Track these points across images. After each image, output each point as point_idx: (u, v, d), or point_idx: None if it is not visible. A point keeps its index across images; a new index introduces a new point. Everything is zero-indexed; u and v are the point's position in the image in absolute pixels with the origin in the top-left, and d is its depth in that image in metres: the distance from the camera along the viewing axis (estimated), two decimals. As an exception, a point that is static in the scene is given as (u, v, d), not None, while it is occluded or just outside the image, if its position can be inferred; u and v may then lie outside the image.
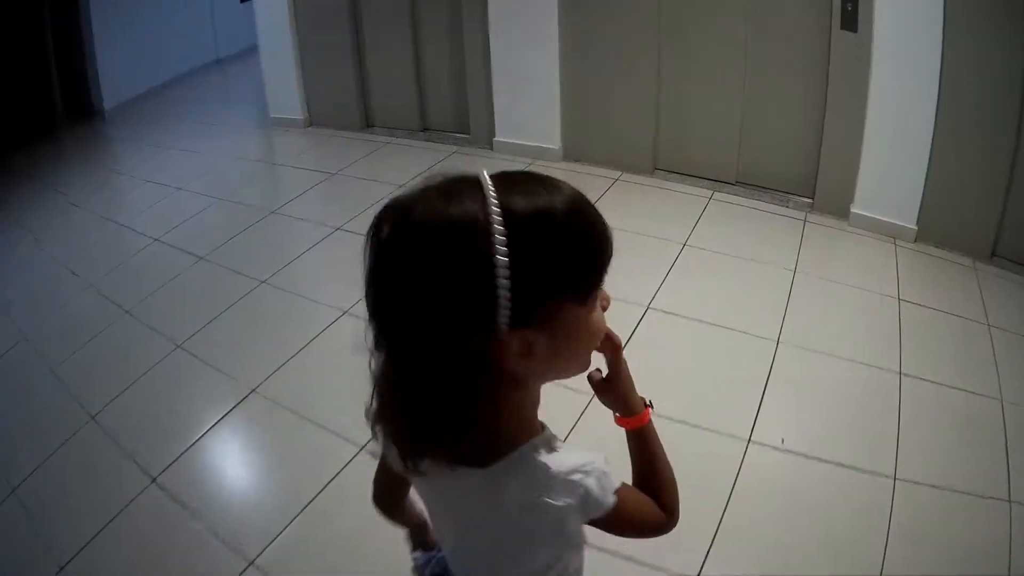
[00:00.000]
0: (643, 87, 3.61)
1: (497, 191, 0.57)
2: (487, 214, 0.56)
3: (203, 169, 4.40)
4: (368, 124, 4.50)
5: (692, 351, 2.56)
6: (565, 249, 0.59)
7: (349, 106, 4.50)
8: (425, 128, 4.34)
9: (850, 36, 3.02)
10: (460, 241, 0.55)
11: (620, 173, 3.79)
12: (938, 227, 3.10)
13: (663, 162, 3.76)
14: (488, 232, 0.55)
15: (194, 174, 4.30)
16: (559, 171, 3.84)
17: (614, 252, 0.64)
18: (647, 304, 2.74)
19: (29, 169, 4.85)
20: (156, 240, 3.50)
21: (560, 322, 0.61)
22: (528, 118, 3.94)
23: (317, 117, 4.77)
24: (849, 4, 2.97)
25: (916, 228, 3.17)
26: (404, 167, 3.95)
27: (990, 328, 2.62)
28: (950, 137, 2.94)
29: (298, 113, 4.82)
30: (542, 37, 3.70)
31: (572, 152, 3.92)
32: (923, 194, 3.09)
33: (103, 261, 3.47)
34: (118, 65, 6.33)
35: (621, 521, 0.71)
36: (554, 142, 3.93)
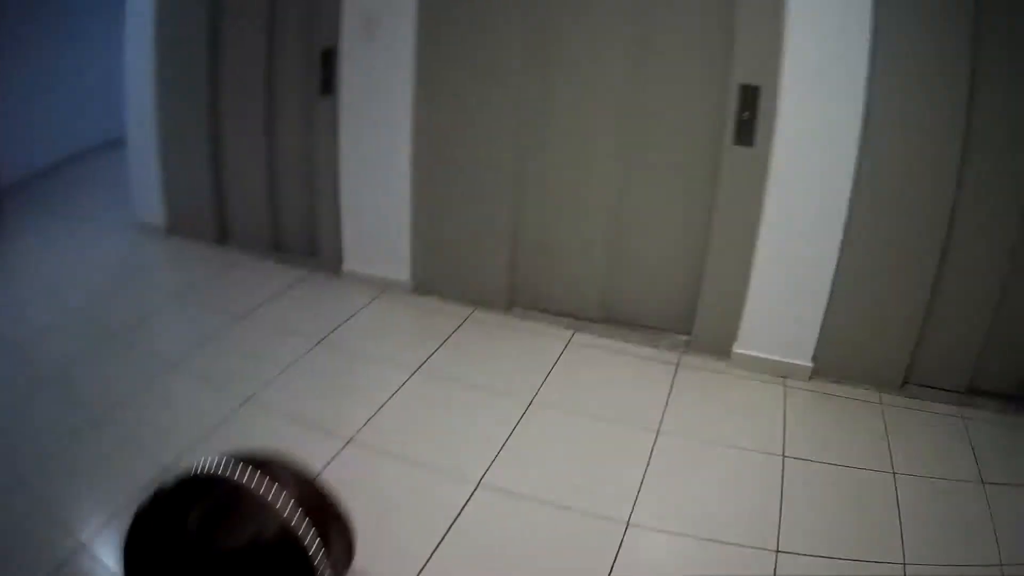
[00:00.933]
0: (500, 214, 3.33)
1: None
2: None
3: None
4: (224, 237, 4.33)
5: (527, 539, 2.21)
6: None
7: (205, 217, 4.34)
8: (278, 247, 4.18)
9: (744, 151, 2.75)
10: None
11: (473, 310, 3.47)
12: (838, 361, 2.86)
13: (522, 298, 3.45)
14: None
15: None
16: (408, 306, 3.61)
17: None
18: (477, 481, 2.40)
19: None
20: None
21: None
22: (377, 246, 3.68)
23: (176, 224, 4.59)
24: (745, 113, 2.69)
25: (811, 365, 2.92)
26: (243, 296, 3.64)
27: (896, 477, 2.38)
28: (858, 262, 2.75)
29: (159, 218, 4.63)
30: (393, 159, 3.46)
31: (423, 285, 3.60)
32: (821, 326, 2.86)
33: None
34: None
35: None
36: (403, 274, 3.65)
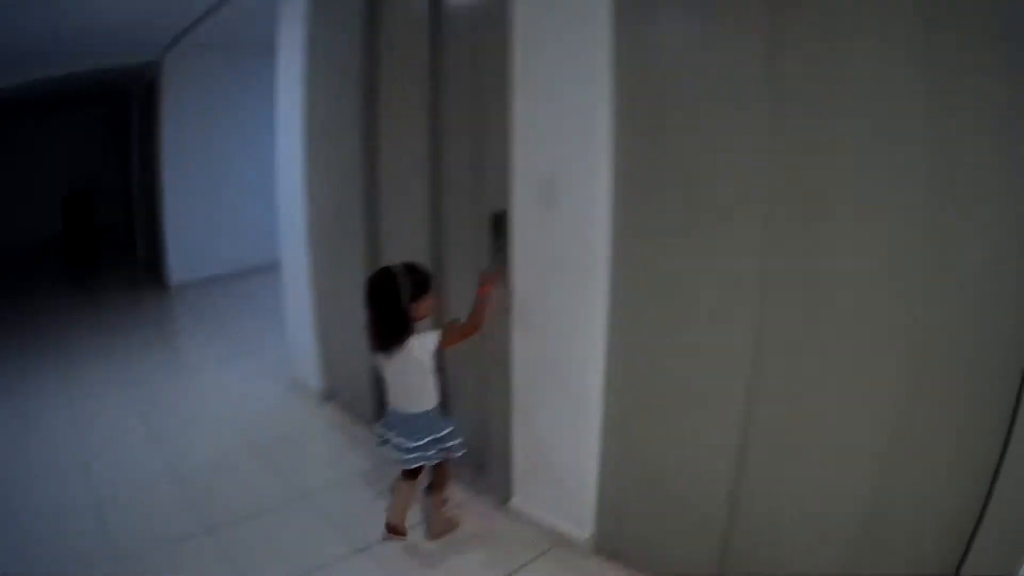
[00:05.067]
0: (718, 461, 2.04)
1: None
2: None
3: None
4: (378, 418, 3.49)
5: None
6: (416, 282, 2.26)
7: (361, 394, 3.56)
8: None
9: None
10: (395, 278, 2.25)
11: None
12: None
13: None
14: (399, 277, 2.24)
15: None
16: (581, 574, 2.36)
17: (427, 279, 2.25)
18: None
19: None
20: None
21: (422, 301, 2.26)
22: (553, 487, 2.55)
23: (334, 393, 3.89)
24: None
25: None
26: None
27: None
28: None
29: (315, 381, 3.98)
30: (579, 372, 2.35)
31: (608, 545, 2.43)
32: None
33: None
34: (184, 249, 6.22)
35: (445, 339, 2.28)
36: (584, 529, 2.46)
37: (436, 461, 2.47)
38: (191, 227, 6.55)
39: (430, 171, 2.90)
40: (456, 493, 2.82)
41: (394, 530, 2.45)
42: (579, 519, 2.48)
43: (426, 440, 2.37)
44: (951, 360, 1.57)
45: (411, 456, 2.36)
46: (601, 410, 2.33)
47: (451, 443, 2.43)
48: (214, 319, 5.83)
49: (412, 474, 2.47)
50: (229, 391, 4.22)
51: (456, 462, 2.60)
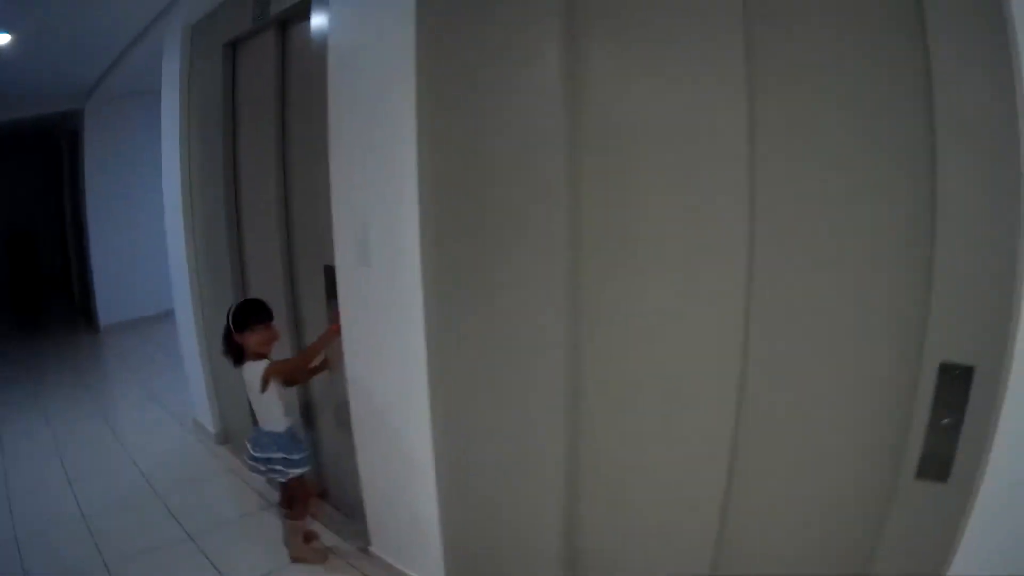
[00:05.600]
0: (546, 515, 2.02)
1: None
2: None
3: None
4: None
5: None
6: (238, 314, 2.57)
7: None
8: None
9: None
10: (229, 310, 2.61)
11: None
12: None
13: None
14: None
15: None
16: None
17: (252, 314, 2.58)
18: None
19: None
20: None
21: (250, 333, 2.54)
22: (403, 534, 2.61)
23: (227, 435, 3.99)
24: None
25: None
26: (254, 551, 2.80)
27: None
28: None
29: (210, 424, 4.06)
30: (407, 410, 2.47)
31: None
32: None
33: None
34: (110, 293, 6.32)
35: (272, 367, 2.55)
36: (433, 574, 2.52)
37: (283, 479, 2.66)
38: (116, 271, 6.63)
39: (281, 221, 3.03)
40: (331, 538, 2.94)
41: (300, 559, 2.73)
42: (428, 566, 2.50)
43: (273, 456, 2.61)
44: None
45: (256, 466, 2.64)
46: (432, 450, 2.35)
47: (298, 466, 2.64)
48: (132, 362, 5.96)
49: (289, 503, 2.73)
50: (137, 433, 4.33)
51: (333, 505, 2.73)
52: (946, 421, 1.28)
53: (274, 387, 2.58)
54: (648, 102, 1.66)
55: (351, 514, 2.93)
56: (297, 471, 2.65)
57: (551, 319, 1.90)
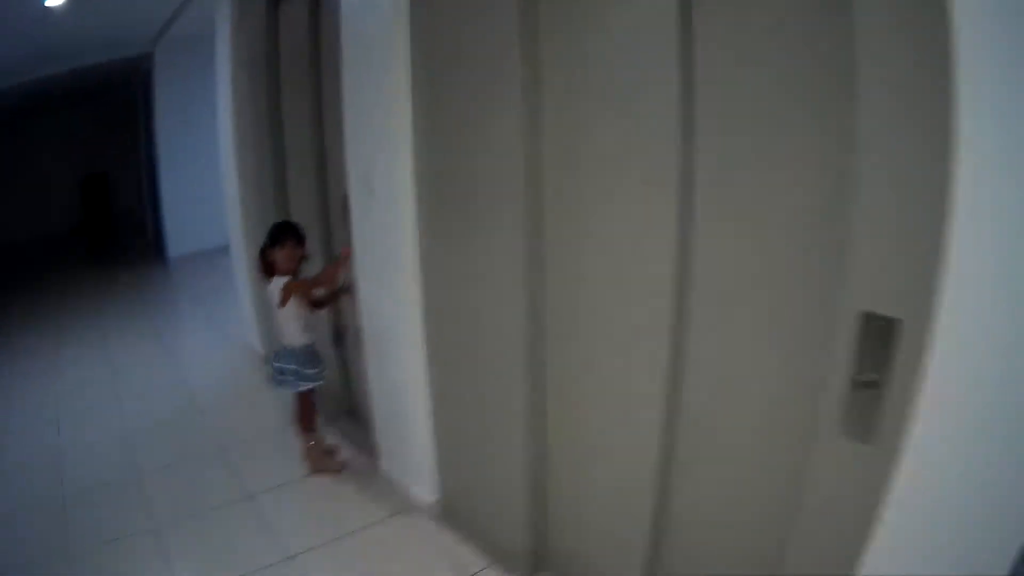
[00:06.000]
0: (516, 446, 2.25)
1: None
2: None
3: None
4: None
5: None
6: (271, 233, 2.90)
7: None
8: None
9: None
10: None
11: (484, 568, 2.47)
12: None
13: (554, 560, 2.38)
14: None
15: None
16: (417, 541, 2.61)
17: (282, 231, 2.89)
18: None
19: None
20: None
21: (278, 250, 2.84)
22: (403, 450, 2.92)
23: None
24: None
25: None
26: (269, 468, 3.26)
27: None
28: None
29: (257, 345, 4.54)
30: (402, 318, 2.81)
31: (451, 513, 2.70)
32: None
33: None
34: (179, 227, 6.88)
35: (292, 284, 2.85)
36: (430, 492, 2.74)
37: (297, 389, 2.97)
38: (184, 206, 7.20)
39: (317, 159, 3.38)
40: (347, 451, 3.29)
41: (318, 472, 3.08)
42: (425, 485, 2.75)
43: (289, 367, 2.92)
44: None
45: (275, 375, 2.96)
46: (425, 371, 2.63)
47: (309, 380, 2.95)
48: (195, 291, 6.57)
49: (302, 416, 3.05)
50: (191, 354, 4.89)
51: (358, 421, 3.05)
52: (867, 377, 1.20)
53: (292, 304, 2.84)
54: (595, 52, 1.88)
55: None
56: (308, 384, 2.95)
57: (516, 235, 2.14)
